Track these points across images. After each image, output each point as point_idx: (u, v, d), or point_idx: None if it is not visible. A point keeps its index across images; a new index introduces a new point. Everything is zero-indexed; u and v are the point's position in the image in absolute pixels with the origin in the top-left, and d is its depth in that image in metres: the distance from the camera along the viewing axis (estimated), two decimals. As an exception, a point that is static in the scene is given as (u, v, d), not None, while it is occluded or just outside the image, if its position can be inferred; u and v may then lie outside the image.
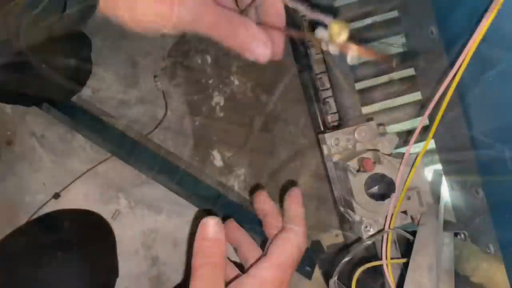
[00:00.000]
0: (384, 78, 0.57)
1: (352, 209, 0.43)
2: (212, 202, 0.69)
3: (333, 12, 0.51)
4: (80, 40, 0.67)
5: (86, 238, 0.67)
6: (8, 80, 0.57)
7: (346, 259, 0.42)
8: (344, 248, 0.62)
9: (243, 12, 0.32)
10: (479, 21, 0.31)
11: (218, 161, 0.76)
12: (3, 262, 0.58)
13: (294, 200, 0.42)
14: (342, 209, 0.48)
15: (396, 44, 0.62)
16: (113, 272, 0.71)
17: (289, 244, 0.38)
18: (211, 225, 0.34)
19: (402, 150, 0.50)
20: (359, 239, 0.46)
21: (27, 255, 0.59)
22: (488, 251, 0.43)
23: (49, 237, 0.63)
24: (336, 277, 0.41)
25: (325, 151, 0.47)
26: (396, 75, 0.57)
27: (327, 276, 0.68)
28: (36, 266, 0.58)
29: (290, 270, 0.37)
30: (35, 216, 0.75)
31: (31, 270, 0.58)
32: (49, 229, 0.65)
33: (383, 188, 0.41)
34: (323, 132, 0.47)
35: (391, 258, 0.42)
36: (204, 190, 0.71)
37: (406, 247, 0.45)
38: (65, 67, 0.62)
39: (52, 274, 0.59)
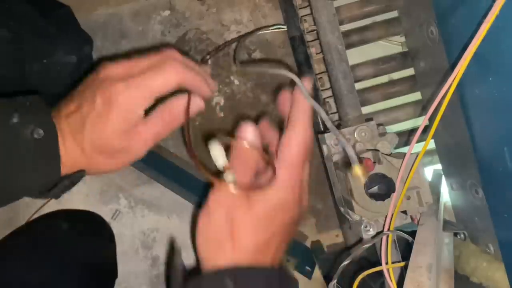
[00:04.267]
0: (384, 78, 0.57)
1: (352, 209, 0.43)
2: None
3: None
4: (81, 36, 0.67)
5: (85, 239, 0.66)
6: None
7: (345, 262, 0.42)
8: (344, 250, 0.62)
9: None
10: (479, 21, 0.31)
11: (218, 161, 0.76)
12: (2, 261, 0.58)
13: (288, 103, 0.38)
14: (342, 209, 0.48)
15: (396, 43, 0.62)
16: (112, 273, 0.71)
17: (293, 143, 0.36)
18: (249, 132, 0.36)
19: (402, 150, 0.50)
20: (360, 240, 0.47)
21: (26, 255, 0.59)
22: (488, 251, 0.43)
23: (48, 237, 0.63)
24: (335, 281, 0.40)
25: (325, 151, 0.47)
26: (396, 75, 0.57)
27: (326, 276, 0.68)
28: (34, 266, 0.58)
29: (301, 167, 0.36)
30: (35, 216, 0.75)
31: (29, 270, 0.58)
32: (48, 229, 0.65)
33: (383, 188, 0.41)
34: (323, 132, 0.47)
35: (391, 259, 0.42)
36: (203, 190, 0.71)
37: (406, 247, 0.45)
38: (67, 64, 0.62)
39: (50, 274, 0.59)
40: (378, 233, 0.44)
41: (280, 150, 0.36)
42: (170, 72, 0.39)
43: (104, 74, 0.39)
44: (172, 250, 0.78)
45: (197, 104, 0.41)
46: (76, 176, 0.40)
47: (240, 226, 0.35)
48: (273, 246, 0.37)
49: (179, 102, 0.41)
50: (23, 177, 0.36)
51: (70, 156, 0.38)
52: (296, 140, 0.36)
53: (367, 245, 0.43)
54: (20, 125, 0.35)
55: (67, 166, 0.38)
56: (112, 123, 0.37)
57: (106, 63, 0.40)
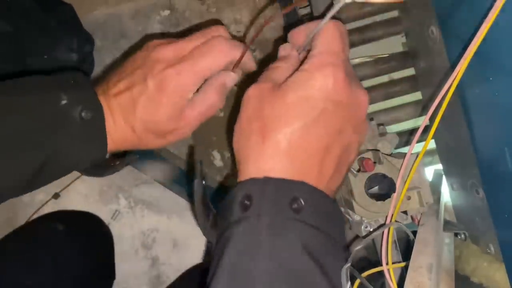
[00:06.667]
0: (384, 78, 0.57)
1: (352, 209, 0.43)
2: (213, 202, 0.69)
3: None
4: (82, 35, 0.68)
5: (82, 240, 0.66)
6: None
7: (358, 247, 0.41)
8: (355, 238, 0.62)
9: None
10: (480, 20, 0.31)
11: (218, 161, 0.76)
12: (0, 262, 0.58)
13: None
14: (342, 209, 0.48)
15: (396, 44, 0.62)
16: (110, 274, 0.71)
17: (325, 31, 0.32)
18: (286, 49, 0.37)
19: (402, 150, 0.50)
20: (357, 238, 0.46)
21: (23, 256, 0.59)
22: (489, 251, 0.43)
23: (45, 238, 0.63)
24: (349, 264, 0.40)
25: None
26: (396, 75, 0.57)
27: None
28: (31, 268, 0.58)
29: (338, 50, 0.32)
30: (34, 216, 0.75)
31: (26, 272, 0.58)
32: (45, 231, 0.65)
33: (383, 188, 0.41)
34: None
35: (392, 260, 0.42)
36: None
37: (406, 247, 0.45)
38: (67, 61, 0.62)
39: (47, 276, 0.59)
40: (380, 225, 0.44)
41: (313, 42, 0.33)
42: (219, 53, 0.39)
43: (154, 56, 0.39)
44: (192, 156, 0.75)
45: (233, 78, 0.42)
46: (122, 163, 0.44)
47: (269, 116, 0.30)
48: (317, 153, 0.30)
49: (222, 80, 0.41)
50: (71, 155, 0.37)
51: (120, 134, 0.39)
52: (327, 29, 0.32)
53: (376, 232, 0.43)
54: (69, 106, 0.36)
55: (117, 142, 0.39)
56: (163, 108, 0.38)
57: (155, 42, 0.40)
